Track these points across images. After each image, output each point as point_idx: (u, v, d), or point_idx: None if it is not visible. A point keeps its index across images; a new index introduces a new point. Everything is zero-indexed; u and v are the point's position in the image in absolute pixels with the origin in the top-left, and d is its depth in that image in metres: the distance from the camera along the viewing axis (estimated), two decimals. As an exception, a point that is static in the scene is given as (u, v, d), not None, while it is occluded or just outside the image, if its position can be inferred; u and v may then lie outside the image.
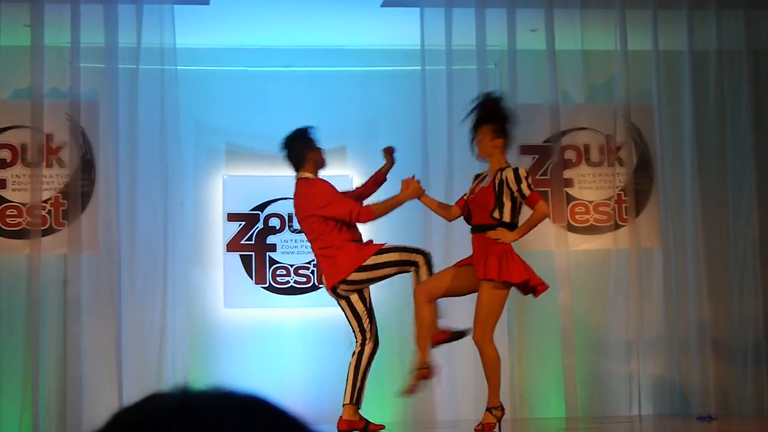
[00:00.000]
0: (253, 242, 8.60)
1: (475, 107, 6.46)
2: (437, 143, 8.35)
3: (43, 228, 7.97)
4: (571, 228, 8.51)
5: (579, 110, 8.70)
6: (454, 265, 6.47)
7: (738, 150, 8.58)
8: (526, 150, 8.48)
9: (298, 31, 8.52)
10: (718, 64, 8.62)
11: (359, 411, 6.70)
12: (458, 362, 7.99)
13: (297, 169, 6.85)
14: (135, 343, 7.97)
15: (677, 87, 8.69)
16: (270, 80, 8.79)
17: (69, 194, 8.04)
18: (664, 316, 8.36)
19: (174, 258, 8.08)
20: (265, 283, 8.58)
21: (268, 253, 8.61)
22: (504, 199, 6.20)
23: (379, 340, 6.75)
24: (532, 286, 6.22)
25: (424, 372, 6.34)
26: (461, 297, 6.49)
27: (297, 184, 6.84)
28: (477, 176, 6.57)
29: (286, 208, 8.53)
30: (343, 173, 8.66)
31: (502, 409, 6.34)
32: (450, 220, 6.72)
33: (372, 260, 6.63)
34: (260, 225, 8.62)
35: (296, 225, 8.46)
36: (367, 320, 6.73)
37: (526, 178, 6.17)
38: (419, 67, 8.37)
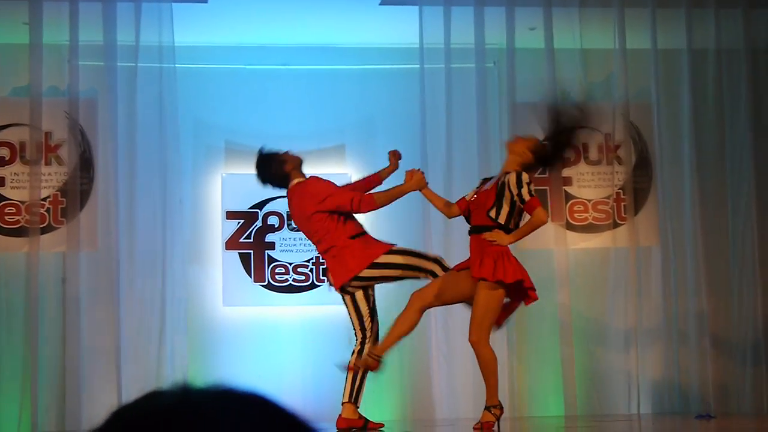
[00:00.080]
0: (251, 240, 8.60)
1: (563, 138, 6.42)
2: (436, 142, 8.35)
3: (41, 226, 7.97)
4: (569, 226, 8.52)
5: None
6: (453, 269, 6.48)
7: (737, 148, 8.59)
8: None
9: (297, 29, 8.52)
10: (717, 63, 8.63)
11: (358, 410, 6.71)
12: (457, 361, 8.00)
13: (288, 185, 6.84)
14: (134, 341, 7.96)
15: (676, 85, 8.69)
16: (269, 78, 8.79)
17: (68, 192, 8.04)
18: (663, 315, 8.37)
19: (173, 256, 8.08)
20: (264, 282, 8.57)
21: (266, 252, 8.60)
22: (503, 201, 6.21)
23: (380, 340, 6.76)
24: (524, 288, 6.21)
25: (373, 362, 6.30)
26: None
27: (291, 191, 6.82)
28: (485, 179, 6.57)
29: (285, 206, 8.52)
30: (342, 171, 8.66)
31: (501, 408, 6.34)
32: (449, 217, 6.72)
33: (383, 259, 6.62)
34: (259, 223, 8.62)
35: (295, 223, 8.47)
36: (369, 319, 6.73)
37: (528, 183, 6.17)
38: (418, 66, 8.37)
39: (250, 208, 8.62)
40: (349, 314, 6.77)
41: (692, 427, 6.96)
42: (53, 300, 7.99)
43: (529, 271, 7.78)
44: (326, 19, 8.34)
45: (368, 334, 6.73)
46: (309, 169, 8.33)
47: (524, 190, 6.14)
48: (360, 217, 6.85)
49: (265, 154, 6.86)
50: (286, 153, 6.87)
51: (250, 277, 8.56)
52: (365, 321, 6.73)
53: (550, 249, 8.35)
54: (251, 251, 8.59)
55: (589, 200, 8.60)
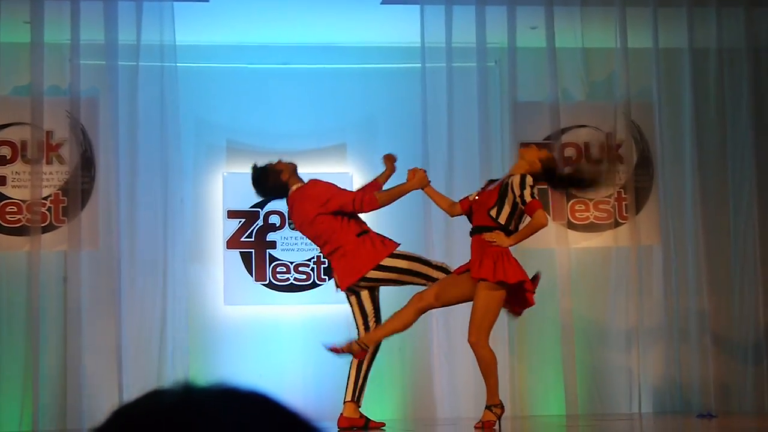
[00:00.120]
0: (253, 239, 8.60)
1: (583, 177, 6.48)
2: (437, 141, 8.35)
3: (43, 225, 7.97)
4: (571, 226, 8.51)
5: (579, 108, 8.70)
6: (454, 272, 6.49)
7: (738, 147, 8.58)
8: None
9: (298, 28, 8.52)
10: (719, 62, 8.62)
11: (360, 409, 6.71)
12: (458, 360, 7.99)
13: (287, 194, 6.84)
14: (135, 340, 7.97)
15: (677, 85, 8.69)
16: (270, 77, 8.79)
17: (69, 191, 8.04)
18: (664, 314, 8.37)
19: (174, 255, 8.09)
20: (265, 280, 8.58)
21: (268, 251, 8.60)
22: (505, 201, 6.22)
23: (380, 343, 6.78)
24: (522, 291, 6.21)
25: (358, 349, 6.28)
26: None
27: (291, 197, 6.82)
28: (490, 181, 6.58)
29: (286, 204, 8.53)
30: (343, 170, 8.67)
31: (502, 407, 6.35)
32: (451, 216, 6.73)
33: (388, 262, 6.63)
34: (260, 222, 8.62)
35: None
36: (373, 320, 6.75)
37: (532, 186, 6.18)
38: (419, 65, 8.37)
39: (252, 207, 8.62)
40: (354, 314, 6.78)
41: (693, 426, 6.96)
42: (54, 299, 7.99)
43: (530, 270, 7.80)
44: (327, 18, 8.34)
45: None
46: (310, 168, 8.35)
47: (526, 192, 6.14)
48: (363, 217, 6.86)
49: (260, 168, 6.87)
50: (279, 162, 6.87)
51: (252, 276, 8.56)
52: (369, 321, 6.74)
53: (551, 248, 8.35)
54: (252, 250, 8.59)
55: (591, 199, 8.60)
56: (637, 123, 8.68)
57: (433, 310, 6.83)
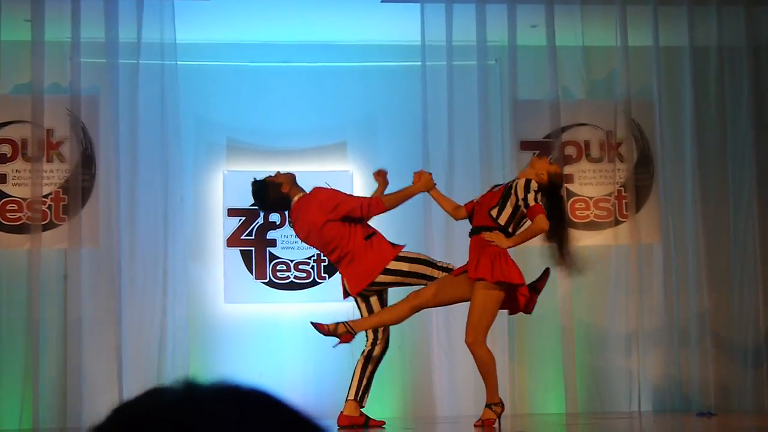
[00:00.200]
0: (253, 237, 8.60)
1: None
2: (437, 139, 8.35)
3: (43, 223, 7.97)
4: (571, 224, 8.50)
5: (579, 106, 8.70)
6: (452, 273, 6.50)
7: (738, 146, 8.58)
8: (526, 146, 8.47)
9: (299, 26, 8.52)
10: (719, 60, 8.62)
11: (363, 409, 6.71)
12: (458, 358, 7.99)
13: (289, 206, 6.83)
14: (135, 338, 7.97)
15: (678, 83, 8.69)
16: (270, 76, 8.78)
17: (69, 189, 8.04)
18: (664, 312, 8.37)
19: (174, 253, 8.09)
20: (266, 279, 8.58)
21: (268, 249, 8.61)
22: (507, 203, 6.23)
23: (389, 344, 6.80)
24: (519, 293, 6.22)
25: (346, 334, 6.28)
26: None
27: (294, 208, 6.81)
28: (495, 186, 6.60)
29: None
30: (343, 169, 8.67)
31: (502, 405, 6.35)
32: (456, 219, 6.72)
33: (394, 265, 6.64)
34: (260, 220, 8.62)
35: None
36: None
37: (536, 191, 6.19)
38: (419, 63, 8.37)
39: (252, 205, 8.59)
40: (362, 317, 6.79)
41: (693, 425, 6.96)
42: (55, 297, 7.99)
43: (530, 268, 7.80)
44: (328, 16, 8.34)
45: (380, 336, 6.76)
46: (310, 167, 8.36)
47: (530, 196, 6.16)
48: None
49: (259, 182, 6.86)
50: (278, 174, 6.88)
51: (252, 274, 8.56)
52: (388, 325, 6.75)
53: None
54: (253, 248, 8.59)
55: (591, 198, 8.60)
56: (638, 121, 8.68)
57: (434, 308, 6.84)
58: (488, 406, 6.30)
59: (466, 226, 6.51)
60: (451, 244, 7.90)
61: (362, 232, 6.68)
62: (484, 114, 8.38)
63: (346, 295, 6.86)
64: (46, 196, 8.03)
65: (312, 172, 8.06)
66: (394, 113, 8.75)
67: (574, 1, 8.46)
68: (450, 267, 6.78)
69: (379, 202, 6.65)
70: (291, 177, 6.87)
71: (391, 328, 6.81)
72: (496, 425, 6.28)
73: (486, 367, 6.24)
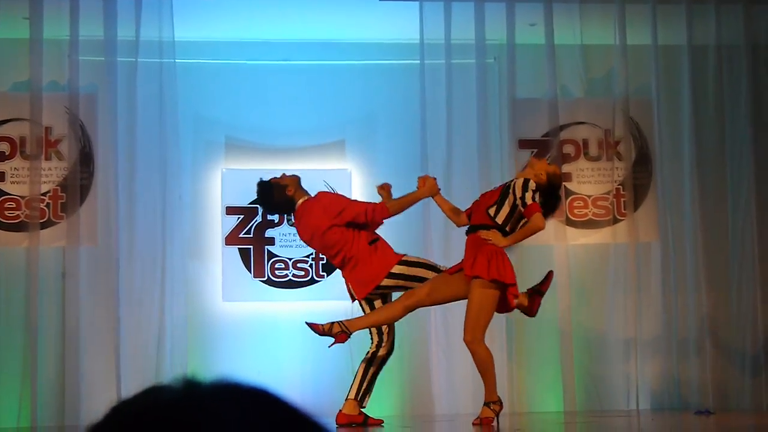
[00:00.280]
0: (251, 236, 8.60)
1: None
2: (436, 137, 8.34)
3: (41, 221, 7.97)
4: (569, 222, 8.51)
5: (578, 105, 8.70)
6: (447, 271, 6.50)
7: (737, 144, 8.58)
8: (524, 144, 8.47)
9: (298, 24, 8.51)
10: (717, 59, 8.62)
11: (363, 410, 6.72)
12: (456, 356, 7.99)
13: (293, 208, 6.83)
14: (133, 336, 7.97)
15: (676, 82, 8.69)
16: (269, 74, 8.78)
17: (68, 187, 8.04)
18: (663, 310, 8.37)
19: (172, 251, 8.09)
20: (264, 277, 8.58)
21: (266, 247, 8.60)
22: (505, 202, 6.24)
23: (395, 346, 6.80)
24: (510, 293, 6.23)
25: (341, 333, 6.28)
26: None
27: (299, 211, 6.80)
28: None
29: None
30: (342, 167, 8.67)
31: (500, 404, 6.36)
32: (458, 225, 6.70)
33: (397, 269, 6.65)
34: (259, 218, 8.62)
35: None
36: (386, 326, 6.76)
37: (534, 191, 6.19)
38: (418, 61, 8.36)
39: (250, 203, 8.60)
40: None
41: (691, 423, 6.96)
42: (53, 295, 7.99)
43: (528, 267, 7.81)
44: (327, 14, 8.34)
45: (385, 338, 6.77)
46: (309, 165, 8.36)
47: (528, 195, 6.17)
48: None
49: (265, 183, 6.85)
50: (283, 176, 6.87)
51: (250, 272, 8.56)
52: (383, 326, 6.76)
53: (549, 245, 8.35)
54: (251, 246, 8.59)
55: (589, 196, 8.61)
56: (636, 120, 8.68)
57: (432, 307, 6.84)
58: (487, 404, 6.31)
59: (464, 228, 6.51)
60: (450, 246, 7.90)
61: (366, 237, 6.70)
62: (482, 112, 8.38)
63: (353, 299, 6.87)
64: (44, 194, 8.03)
65: (311, 171, 8.06)
66: (393, 111, 8.75)
67: (573, -1, 8.47)
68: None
69: (384, 208, 6.66)
70: (296, 179, 6.87)
71: (389, 327, 6.80)
72: (494, 423, 6.28)
73: (484, 366, 6.25)
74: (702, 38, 8.63)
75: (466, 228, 6.45)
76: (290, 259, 8.60)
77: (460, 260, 6.42)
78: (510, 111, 8.44)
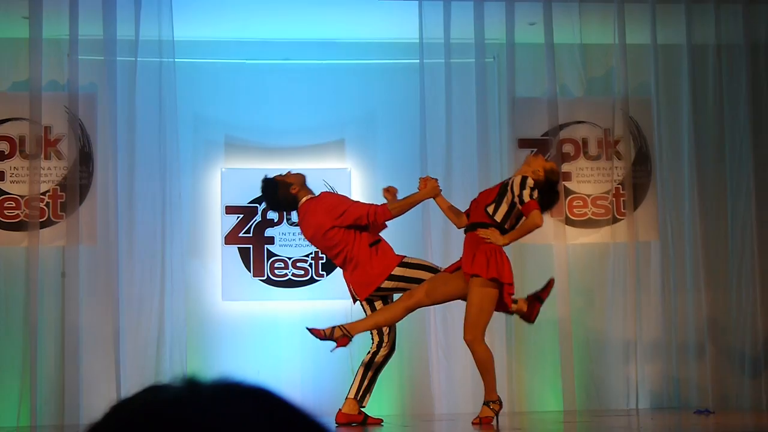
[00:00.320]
0: (251, 235, 8.60)
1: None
2: (435, 137, 8.34)
3: (41, 220, 7.97)
4: (569, 221, 8.51)
5: (577, 104, 8.70)
6: (445, 269, 6.50)
7: (736, 144, 8.58)
8: (524, 144, 8.47)
9: (297, 24, 8.51)
10: (717, 58, 8.62)
11: (363, 409, 6.72)
12: (456, 356, 7.99)
13: (296, 206, 6.84)
14: (133, 336, 7.97)
15: (676, 81, 8.69)
16: (269, 73, 8.78)
17: (67, 186, 8.03)
18: (662, 310, 8.37)
19: (172, 250, 8.09)
20: (263, 276, 8.58)
21: (266, 246, 8.61)
22: (503, 200, 6.24)
23: (396, 346, 6.80)
24: (508, 291, 6.23)
25: (342, 336, 6.29)
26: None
27: (302, 209, 6.82)
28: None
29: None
30: (342, 166, 8.67)
31: (500, 403, 6.36)
32: (459, 227, 6.68)
33: (398, 271, 6.66)
34: (258, 218, 8.62)
35: (294, 218, 8.47)
36: (387, 327, 6.76)
37: (532, 188, 6.19)
38: (417, 61, 8.36)
39: (250, 202, 8.62)
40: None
41: (691, 423, 6.96)
42: (52, 294, 7.99)
43: (528, 266, 7.80)
44: (326, 13, 8.34)
45: (386, 338, 6.78)
46: (308, 164, 8.35)
47: (525, 192, 6.17)
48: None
49: (270, 180, 6.87)
50: (288, 174, 6.88)
51: (250, 271, 8.56)
52: (383, 328, 6.76)
53: (549, 244, 8.35)
54: (250, 246, 8.59)
55: (589, 195, 8.60)
56: (636, 119, 8.68)
57: (431, 307, 6.84)
58: (486, 403, 6.31)
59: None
60: (449, 247, 7.89)
61: (367, 239, 6.71)
62: (482, 111, 8.38)
63: (354, 300, 6.87)
64: (44, 194, 8.02)
65: (310, 170, 8.04)
66: (393, 111, 8.75)
67: (573, -2, 8.47)
68: None
69: (386, 210, 6.66)
70: (301, 178, 6.88)
71: (390, 328, 6.81)
72: (494, 423, 6.29)
73: (485, 365, 6.25)
74: (701, 37, 8.63)
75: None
76: (290, 259, 8.60)
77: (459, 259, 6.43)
78: (509, 110, 8.44)
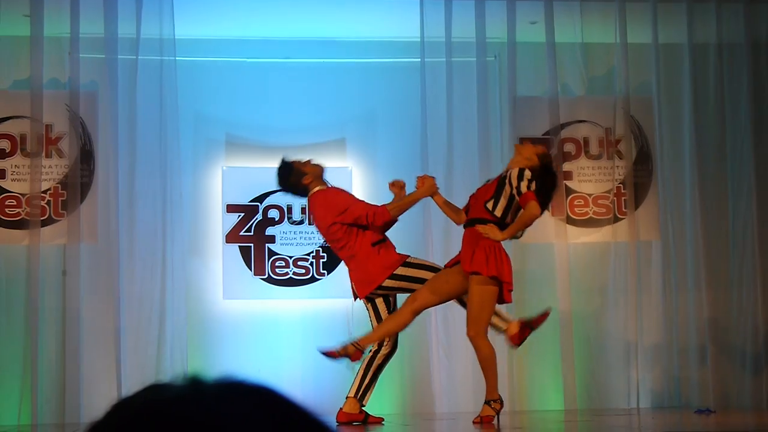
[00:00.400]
0: (252, 233, 8.60)
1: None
2: (437, 136, 8.34)
3: (42, 218, 7.97)
4: (570, 221, 8.51)
5: (578, 103, 8.69)
6: (445, 266, 6.50)
7: (737, 143, 8.58)
8: (525, 142, 8.46)
9: (298, 22, 8.51)
10: (718, 57, 8.62)
11: (363, 408, 6.72)
12: (457, 355, 8.00)
13: (305, 195, 6.87)
14: (134, 334, 7.97)
15: (677, 80, 8.68)
16: (269, 71, 8.78)
17: (68, 185, 8.04)
18: (663, 309, 8.37)
19: (173, 249, 8.09)
20: (264, 275, 8.58)
21: (267, 245, 8.60)
22: (502, 194, 6.23)
23: (398, 345, 6.80)
24: (508, 288, 6.23)
25: (354, 351, 6.31)
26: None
27: (311, 199, 6.87)
28: (489, 180, 6.60)
29: (285, 199, 8.53)
30: (343, 165, 8.66)
31: (501, 402, 6.35)
32: (458, 224, 6.69)
33: (401, 271, 6.66)
34: (259, 216, 8.62)
35: (295, 216, 8.48)
36: None
37: (529, 180, 6.18)
38: (419, 59, 8.36)
39: (251, 201, 8.62)
40: (370, 318, 6.82)
41: (692, 422, 6.96)
42: (53, 292, 7.99)
43: (529, 265, 7.80)
44: (327, 12, 8.34)
45: (387, 338, 6.77)
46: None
47: (523, 183, 6.16)
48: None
49: (287, 163, 6.90)
50: (307, 163, 6.89)
51: (251, 270, 8.56)
52: (394, 333, 6.76)
53: (550, 243, 8.35)
54: (251, 244, 8.59)
55: (590, 195, 8.60)
56: (637, 118, 8.68)
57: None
58: (487, 402, 6.30)
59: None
60: (450, 245, 7.88)
61: (370, 238, 6.72)
62: (483, 110, 8.38)
63: (355, 297, 6.88)
64: (45, 192, 8.02)
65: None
66: (394, 110, 8.75)
67: (574, -3, 8.47)
68: None
69: (384, 212, 6.67)
70: (318, 171, 6.89)
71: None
72: (494, 422, 6.28)
73: (487, 361, 6.25)
74: (703, 36, 8.62)
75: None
76: (291, 257, 8.60)
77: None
78: (511, 109, 8.43)
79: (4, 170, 8.11)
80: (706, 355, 8.33)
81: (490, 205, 6.24)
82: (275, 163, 7.91)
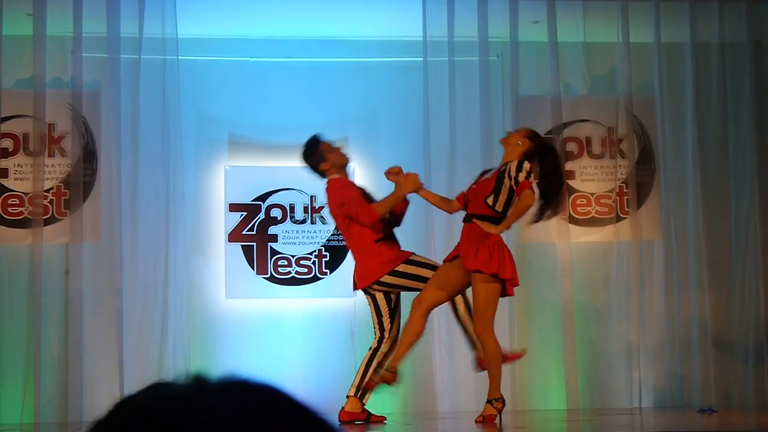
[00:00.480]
0: (254, 233, 8.60)
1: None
2: (439, 134, 8.34)
3: (45, 217, 7.98)
4: (572, 220, 8.51)
5: (581, 102, 8.69)
6: (444, 261, 6.50)
7: (740, 142, 8.58)
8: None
9: (301, 21, 8.51)
10: (721, 57, 8.61)
11: (364, 405, 6.72)
12: (459, 354, 7.99)
13: (323, 177, 6.92)
14: (136, 333, 7.97)
15: (679, 79, 8.68)
16: (272, 71, 8.78)
17: (71, 184, 8.04)
18: (665, 308, 8.36)
19: (175, 248, 8.09)
20: (267, 274, 8.58)
21: (269, 244, 8.61)
22: (501, 189, 6.22)
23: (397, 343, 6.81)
24: (512, 283, 6.24)
25: (390, 376, 6.35)
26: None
27: (326, 185, 6.99)
28: (484, 171, 6.59)
29: (288, 198, 8.53)
30: (345, 164, 8.66)
31: (503, 401, 6.35)
32: (450, 213, 6.73)
33: (403, 268, 6.68)
34: (262, 215, 8.62)
35: (298, 215, 8.50)
36: (388, 320, 6.78)
37: (528, 171, 6.18)
38: (421, 59, 8.36)
39: (253, 200, 8.62)
40: (371, 313, 6.83)
41: (694, 421, 6.95)
42: (56, 291, 7.99)
43: (531, 263, 7.79)
44: (330, 11, 8.34)
45: (386, 334, 6.79)
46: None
47: (521, 174, 6.16)
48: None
49: (316, 143, 7.00)
50: (335, 151, 6.96)
51: (253, 269, 8.56)
52: (384, 320, 6.79)
53: (552, 242, 8.35)
54: (254, 243, 8.59)
55: (592, 194, 8.60)
56: (639, 117, 8.68)
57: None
58: (489, 401, 6.30)
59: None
60: (452, 244, 7.87)
61: (371, 233, 6.74)
62: (485, 110, 8.38)
63: (354, 287, 6.91)
64: (47, 191, 8.03)
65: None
66: (396, 109, 8.75)
67: (576, -4, 8.47)
68: None
69: (370, 211, 6.69)
70: (341, 161, 6.98)
71: (391, 324, 6.82)
72: (497, 421, 6.28)
73: (493, 358, 6.25)
74: (705, 36, 8.62)
75: (463, 216, 6.43)
76: (293, 257, 8.61)
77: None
78: (513, 108, 8.43)
79: (6, 169, 8.12)
80: (709, 355, 8.33)
81: (490, 201, 6.24)
82: (278, 162, 7.94)
